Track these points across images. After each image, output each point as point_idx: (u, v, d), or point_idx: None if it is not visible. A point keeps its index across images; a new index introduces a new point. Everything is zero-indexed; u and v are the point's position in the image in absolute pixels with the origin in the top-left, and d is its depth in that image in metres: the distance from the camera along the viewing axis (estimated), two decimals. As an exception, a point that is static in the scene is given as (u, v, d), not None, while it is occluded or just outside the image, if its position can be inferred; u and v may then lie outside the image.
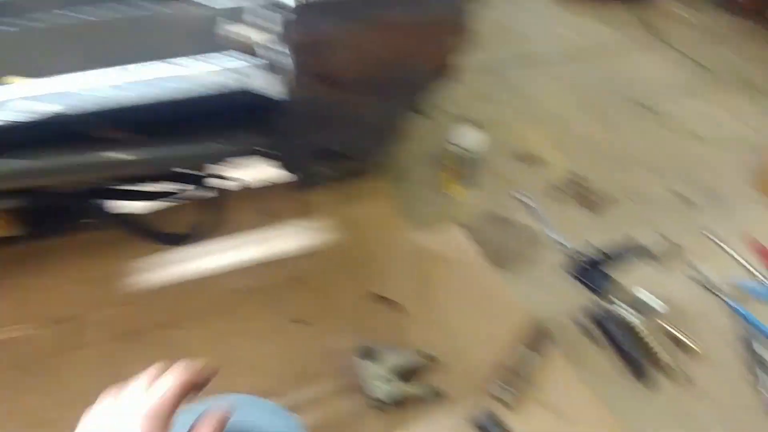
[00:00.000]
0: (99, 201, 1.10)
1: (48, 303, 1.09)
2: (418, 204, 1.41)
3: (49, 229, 1.13)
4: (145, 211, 1.22)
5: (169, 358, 1.04)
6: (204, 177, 1.10)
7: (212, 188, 1.15)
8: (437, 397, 1.01)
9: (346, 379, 1.03)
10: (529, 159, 1.53)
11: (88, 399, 0.47)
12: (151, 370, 0.49)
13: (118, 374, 0.99)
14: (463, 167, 1.36)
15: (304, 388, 1.02)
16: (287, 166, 1.01)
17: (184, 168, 1.03)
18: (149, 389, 0.45)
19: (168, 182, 1.08)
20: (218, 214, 1.21)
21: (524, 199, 1.41)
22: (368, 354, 1.03)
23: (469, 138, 1.32)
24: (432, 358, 1.05)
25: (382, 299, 1.18)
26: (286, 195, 1.38)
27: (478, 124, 1.39)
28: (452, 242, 1.31)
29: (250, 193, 1.38)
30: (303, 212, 1.35)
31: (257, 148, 0.94)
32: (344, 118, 0.98)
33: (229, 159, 0.95)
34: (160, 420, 0.43)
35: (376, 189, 1.43)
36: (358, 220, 1.35)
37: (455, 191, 1.43)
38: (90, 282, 1.13)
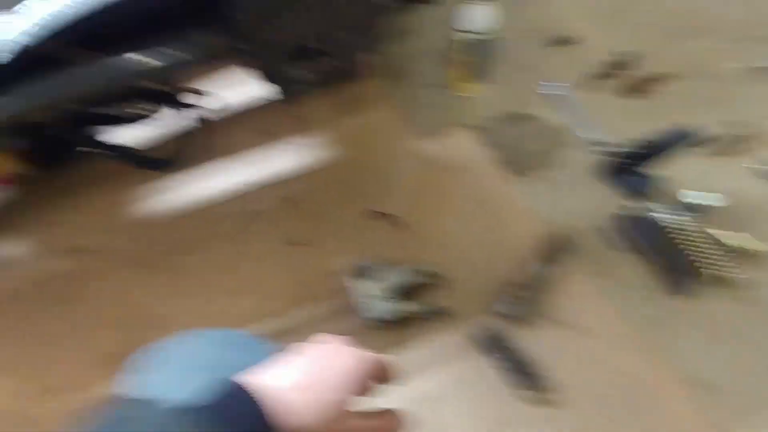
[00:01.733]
0: (87, 130, 1.08)
1: (62, 235, 1.11)
2: (422, 108, 1.24)
3: (51, 163, 1.15)
4: (137, 141, 1.19)
5: (182, 284, 1.05)
6: (178, 94, 1.02)
7: (194, 108, 1.08)
8: (439, 315, 0.93)
9: (343, 299, 0.99)
10: (557, 40, 1.27)
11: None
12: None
13: (137, 302, 1.02)
14: (474, 57, 1.16)
15: (303, 309, 0.99)
16: (261, 72, 0.89)
17: (151, 83, 0.95)
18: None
19: (142, 101, 1.02)
20: (209, 136, 1.15)
21: (550, 90, 1.20)
22: (364, 273, 0.97)
23: (479, 18, 1.09)
24: (435, 275, 0.97)
25: (383, 215, 1.08)
26: (279, 112, 1.28)
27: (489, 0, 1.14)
28: (462, 148, 1.16)
29: (241, 113, 1.29)
30: (298, 128, 1.25)
31: (218, 49, 0.83)
32: (312, 3, 0.82)
33: (190, 64, 0.85)
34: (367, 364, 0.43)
35: (374, 95, 1.28)
36: (357, 132, 1.23)
37: (466, 89, 1.23)
38: (98, 212, 1.14)
